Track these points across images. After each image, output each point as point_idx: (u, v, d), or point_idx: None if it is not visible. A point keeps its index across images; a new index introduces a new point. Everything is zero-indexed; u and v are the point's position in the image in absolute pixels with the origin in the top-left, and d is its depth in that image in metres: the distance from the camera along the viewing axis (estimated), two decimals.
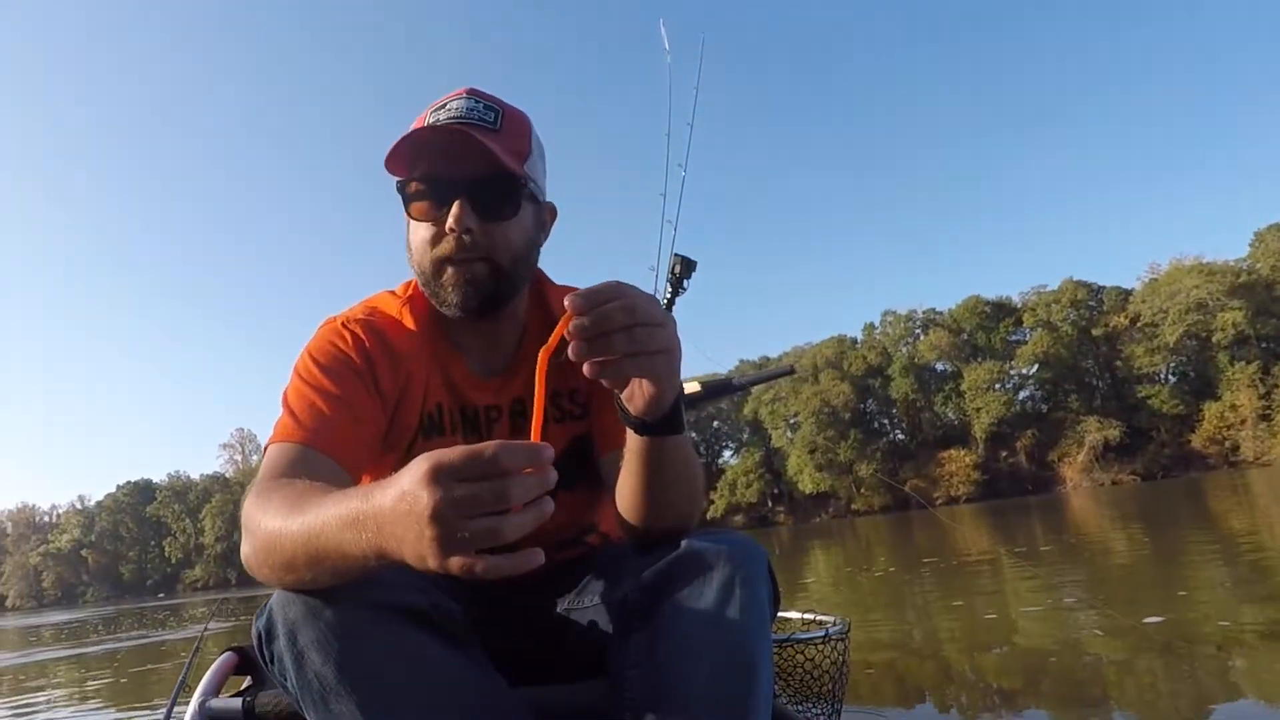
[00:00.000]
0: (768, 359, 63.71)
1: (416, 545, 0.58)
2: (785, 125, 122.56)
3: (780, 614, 1.79)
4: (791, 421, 58.03)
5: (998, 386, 54.35)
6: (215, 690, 1.11)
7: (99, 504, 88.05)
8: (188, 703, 1.10)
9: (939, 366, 57.57)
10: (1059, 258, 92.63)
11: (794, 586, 7.66)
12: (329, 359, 0.99)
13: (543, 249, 1.09)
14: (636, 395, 0.79)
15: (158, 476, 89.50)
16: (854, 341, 61.24)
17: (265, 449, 0.93)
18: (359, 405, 0.97)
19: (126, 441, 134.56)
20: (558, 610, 1.05)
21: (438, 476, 0.57)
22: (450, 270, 0.97)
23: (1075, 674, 2.70)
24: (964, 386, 54.64)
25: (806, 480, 55.33)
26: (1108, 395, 54.06)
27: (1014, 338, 55.90)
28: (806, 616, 1.93)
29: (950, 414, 56.49)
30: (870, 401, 58.67)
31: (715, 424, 64.71)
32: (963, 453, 53.48)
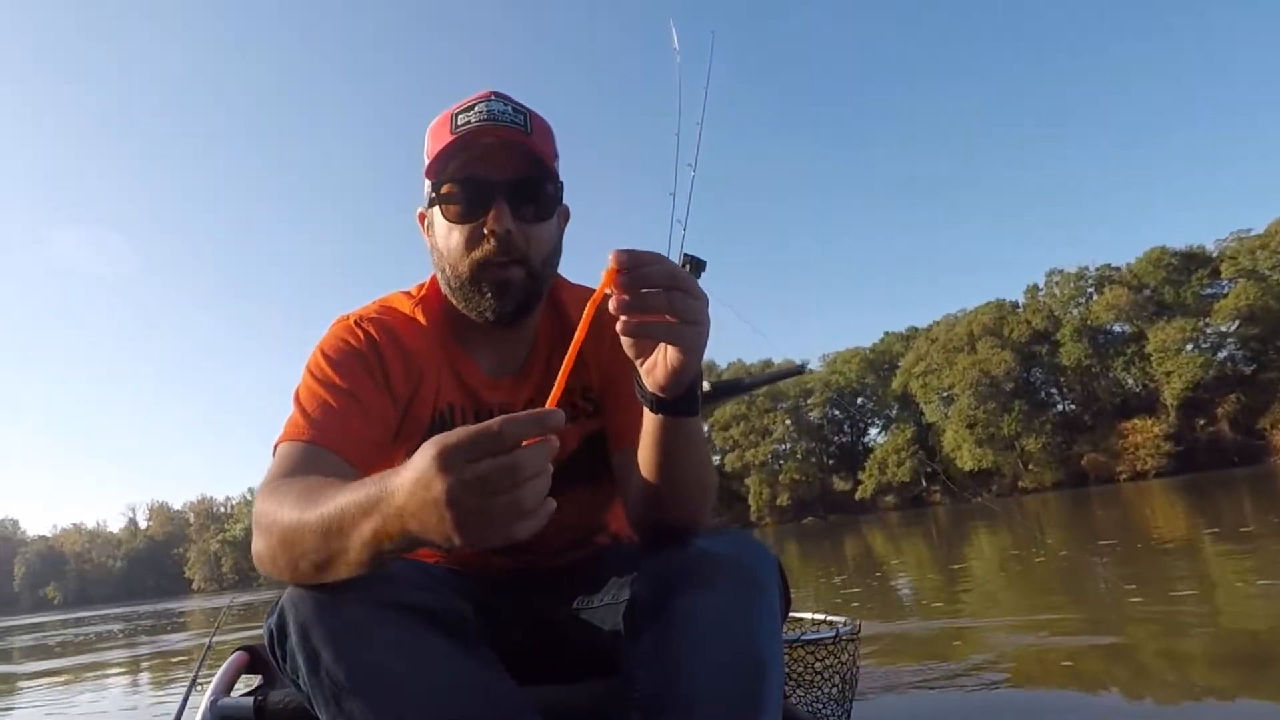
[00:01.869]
0: (915, 329, 60.63)
1: (440, 528, 0.60)
2: (932, 81, 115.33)
3: (792, 614, 1.80)
4: (945, 395, 54.44)
5: (1191, 347, 47.90)
6: (226, 689, 1.11)
7: None
8: (199, 701, 1.05)
9: (1117, 328, 51.73)
10: (1256, 198, 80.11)
11: (948, 575, 7.10)
12: (340, 355, 0.98)
13: None
14: (659, 365, 0.78)
15: None
16: (1015, 305, 56.39)
17: (275, 448, 0.91)
18: (369, 401, 0.96)
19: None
20: (566, 610, 1.02)
21: (448, 461, 0.58)
22: (490, 274, 0.96)
23: None
24: (1149, 349, 48.64)
25: (966, 457, 51.66)
26: None
27: (1209, 291, 48.94)
28: (817, 617, 1.95)
29: (1132, 380, 50.74)
30: (1035, 370, 53.87)
31: (860, 400, 62.26)
32: (1149, 422, 47.76)
